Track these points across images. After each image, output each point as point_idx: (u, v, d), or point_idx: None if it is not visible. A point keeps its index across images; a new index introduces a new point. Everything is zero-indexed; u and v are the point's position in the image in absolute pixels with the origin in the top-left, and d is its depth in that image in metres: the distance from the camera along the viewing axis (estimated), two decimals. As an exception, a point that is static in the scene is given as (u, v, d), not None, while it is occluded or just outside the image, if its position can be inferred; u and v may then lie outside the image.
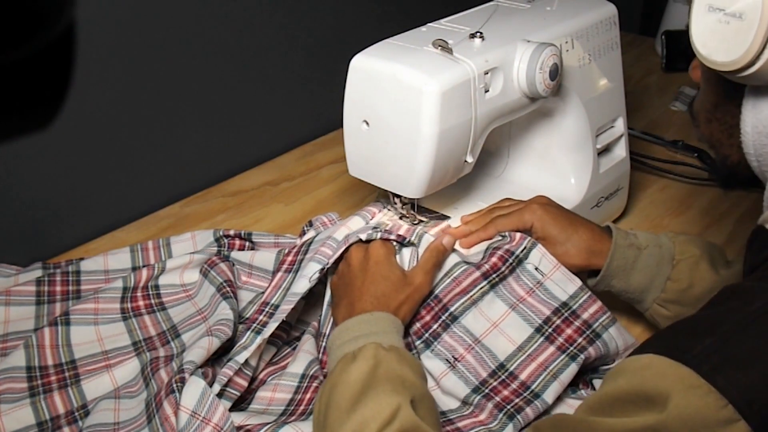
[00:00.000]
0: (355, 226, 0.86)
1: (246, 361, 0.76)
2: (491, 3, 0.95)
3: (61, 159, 1.00)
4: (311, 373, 0.79)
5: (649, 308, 0.82)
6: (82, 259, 0.95)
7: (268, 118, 1.25)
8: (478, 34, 0.81)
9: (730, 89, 0.61)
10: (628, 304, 0.85)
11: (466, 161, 0.83)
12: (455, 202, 0.94)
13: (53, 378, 0.79)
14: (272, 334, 0.84)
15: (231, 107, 1.19)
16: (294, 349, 0.86)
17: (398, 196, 0.85)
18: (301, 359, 0.81)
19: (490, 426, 0.74)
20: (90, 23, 0.95)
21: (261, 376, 0.82)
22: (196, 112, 1.14)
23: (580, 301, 0.78)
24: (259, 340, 0.77)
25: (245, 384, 0.77)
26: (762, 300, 0.51)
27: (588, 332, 0.77)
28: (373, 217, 0.88)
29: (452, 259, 0.81)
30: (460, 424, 0.75)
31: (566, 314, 0.77)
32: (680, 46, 1.57)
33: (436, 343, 0.77)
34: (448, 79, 0.76)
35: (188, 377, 0.72)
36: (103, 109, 1.02)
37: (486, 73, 0.79)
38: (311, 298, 0.85)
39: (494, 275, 0.78)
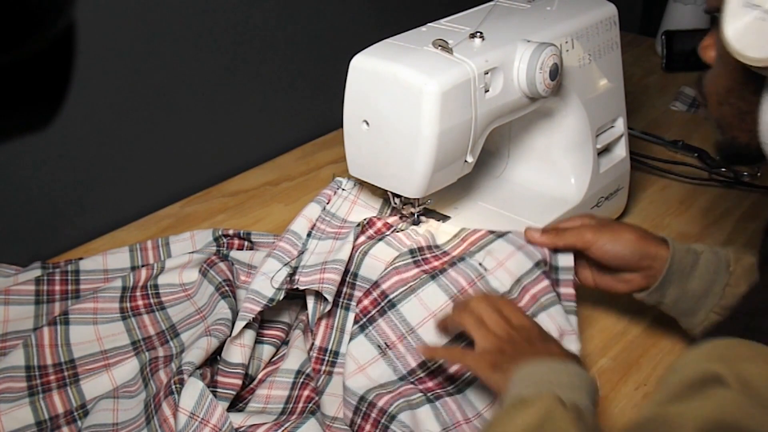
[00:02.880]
0: (311, 213, 0.87)
1: (238, 360, 0.77)
2: (491, 3, 0.95)
3: (61, 159, 1.00)
4: (306, 370, 0.79)
5: (704, 320, 0.77)
6: (81, 258, 0.95)
7: (268, 118, 1.25)
8: (478, 34, 0.81)
9: (748, 78, 0.62)
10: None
11: (466, 161, 0.83)
12: (455, 202, 0.94)
13: (52, 377, 0.79)
14: (270, 335, 0.84)
15: (231, 107, 1.19)
16: None
17: (398, 196, 0.85)
18: (293, 355, 0.81)
19: (410, 399, 0.73)
20: (90, 23, 0.95)
21: (260, 376, 0.82)
22: (195, 112, 1.14)
23: (515, 294, 0.78)
24: (215, 341, 0.77)
25: (238, 383, 0.77)
26: None
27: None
28: (329, 201, 0.89)
29: (395, 251, 0.82)
30: (380, 402, 0.73)
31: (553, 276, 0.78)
32: (680, 46, 1.57)
33: (371, 327, 0.77)
34: (448, 79, 0.75)
35: (187, 378, 0.72)
36: (103, 109, 1.02)
37: (486, 73, 0.79)
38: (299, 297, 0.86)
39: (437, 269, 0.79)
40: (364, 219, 0.86)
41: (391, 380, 0.75)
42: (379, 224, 0.86)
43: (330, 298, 0.79)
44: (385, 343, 0.76)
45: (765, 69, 0.58)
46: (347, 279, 0.83)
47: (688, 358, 0.51)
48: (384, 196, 0.89)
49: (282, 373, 0.79)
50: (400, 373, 0.76)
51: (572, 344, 0.75)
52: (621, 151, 1.03)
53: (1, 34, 0.81)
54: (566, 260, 0.80)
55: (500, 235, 0.82)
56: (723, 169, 1.18)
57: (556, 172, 0.97)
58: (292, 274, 0.82)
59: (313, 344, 0.82)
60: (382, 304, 0.78)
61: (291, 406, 0.76)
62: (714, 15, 0.67)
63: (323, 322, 0.82)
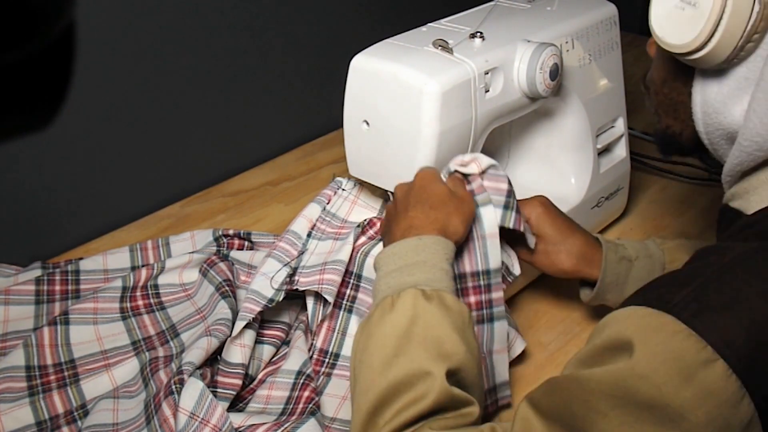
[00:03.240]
0: (311, 213, 0.87)
1: (238, 361, 0.77)
2: (491, 3, 0.95)
3: (61, 159, 1.00)
4: (307, 371, 0.79)
5: None
6: (81, 258, 0.95)
7: (268, 118, 1.25)
8: (478, 34, 0.81)
9: (678, 69, 0.66)
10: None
11: (466, 161, 0.83)
12: (455, 202, 0.94)
13: (52, 377, 0.79)
14: (271, 335, 0.84)
15: (231, 107, 1.19)
16: None
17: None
18: (294, 356, 0.81)
19: None
20: (90, 23, 0.95)
21: (260, 376, 0.82)
22: (196, 112, 1.14)
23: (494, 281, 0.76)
24: (215, 341, 0.77)
25: (238, 383, 0.77)
26: (733, 253, 0.55)
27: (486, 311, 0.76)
28: (329, 201, 0.89)
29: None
30: None
31: (482, 283, 0.75)
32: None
33: (356, 305, 0.79)
34: (448, 79, 0.75)
35: (187, 378, 0.72)
36: (103, 109, 1.02)
37: (486, 73, 0.79)
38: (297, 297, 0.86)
39: None
40: (365, 219, 0.86)
41: None
42: (379, 224, 0.86)
43: (330, 299, 0.79)
44: None
45: (683, 55, 0.61)
46: (351, 281, 0.83)
47: (610, 319, 0.55)
48: (384, 196, 0.89)
49: (282, 374, 0.79)
50: None
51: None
52: (621, 151, 1.03)
53: (1, 34, 0.81)
54: (495, 262, 0.76)
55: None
56: (723, 169, 1.18)
57: (556, 172, 0.97)
58: (291, 275, 0.82)
59: (313, 345, 0.82)
60: (351, 280, 0.80)
61: (291, 407, 0.76)
62: None
63: (324, 324, 0.82)
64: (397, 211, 0.73)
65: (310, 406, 0.74)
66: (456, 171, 0.77)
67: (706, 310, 0.51)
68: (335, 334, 0.83)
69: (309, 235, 0.87)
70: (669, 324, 0.51)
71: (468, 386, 0.62)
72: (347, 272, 0.82)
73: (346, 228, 0.87)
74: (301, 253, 0.85)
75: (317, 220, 0.88)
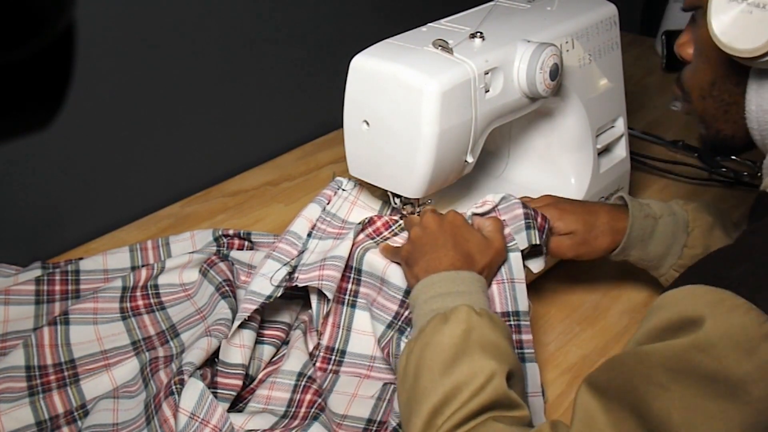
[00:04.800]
0: (311, 214, 0.87)
1: (238, 361, 0.77)
2: (491, 3, 0.95)
3: (61, 159, 1.00)
4: (308, 373, 0.79)
5: (665, 274, 0.85)
6: (81, 258, 0.95)
7: (268, 118, 1.25)
8: (478, 34, 0.81)
9: (731, 71, 0.65)
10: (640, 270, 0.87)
11: (466, 161, 0.83)
12: (455, 202, 0.94)
13: (52, 377, 0.79)
14: (271, 335, 0.84)
15: (231, 107, 1.19)
16: None
17: (398, 196, 0.85)
18: (294, 357, 0.81)
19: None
20: (90, 23, 0.95)
21: (260, 376, 0.82)
22: (196, 112, 1.14)
23: (527, 320, 0.79)
24: (215, 341, 0.77)
25: (238, 383, 0.77)
26: None
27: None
28: (329, 201, 0.89)
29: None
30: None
31: (512, 322, 0.78)
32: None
33: (359, 299, 0.81)
34: (448, 79, 0.75)
35: (187, 379, 0.72)
36: (102, 109, 1.02)
37: (486, 73, 0.79)
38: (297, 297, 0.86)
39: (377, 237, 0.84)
40: (365, 218, 0.86)
41: (381, 331, 0.79)
42: (378, 223, 0.86)
43: (330, 295, 0.79)
44: (370, 303, 0.81)
45: (752, 60, 0.60)
46: (351, 275, 0.83)
47: (666, 300, 0.55)
48: (384, 196, 0.89)
49: (283, 375, 0.79)
50: (385, 321, 0.79)
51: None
52: (621, 151, 1.03)
53: (1, 34, 0.81)
54: (523, 304, 0.78)
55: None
56: (723, 169, 1.18)
57: (556, 172, 0.97)
58: (291, 272, 0.82)
59: (319, 344, 0.82)
60: (352, 275, 0.83)
61: (293, 409, 0.76)
62: (692, 12, 0.70)
63: (329, 321, 0.83)
64: (428, 243, 0.75)
65: (313, 410, 0.75)
66: (474, 214, 0.82)
67: (764, 284, 0.51)
68: (340, 330, 0.83)
69: (309, 234, 0.87)
70: (728, 299, 0.51)
71: (519, 393, 0.63)
72: (347, 267, 0.82)
73: (347, 228, 0.87)
74: (302, 252, 0.85)
75: (317, 220, 0.88)
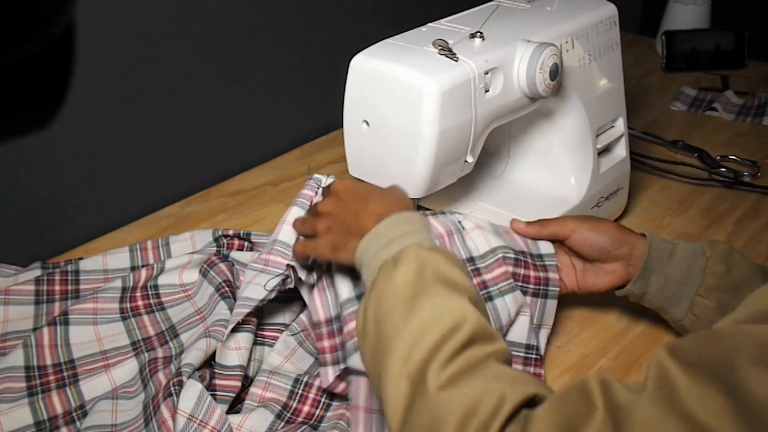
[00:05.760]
0: (293, 218, 0.86)
1: (235, 363, 0.77)
2: (491, 3, 0.95)
3: (61, 159, 1.00)
4: (305, 380, 0.78)
5: (689, 306, 0.79)
6: (81, 258, 0.95)
7: (268, 118, 1.25)
8: (478, 34, 0.81)
9: None
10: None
11: (466, 161, 0.83)
12: (455, 202, 0.94)
13: (51, 378, 0.79)
14: (271, 336, 0.84)
15: (231, 107, 1.19)
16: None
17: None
18: (293, 361, 0.80)
19: None
20: (90, 23, 0.95)
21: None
22: (196, 112, 1.14)
23: (488, 261, 0.79)
24: (214, 343, 0.77)
25: (237, 384, 0.76)
26: None
27: (482, 292, 0.76)
28: (311, 203, 0.88)
29: None
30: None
31: (469, 270, 0.77)
32: (680, 46, 1.57)
33: (333, 268, 0.78)
34: (448, 79, 0.75)
35: (186, 380, 0.71)
36: (103, 109, 1.02)
37: (486, 73, 0.79)
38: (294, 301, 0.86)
39: None
40: None
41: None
42: None
43: (310, 271, 0.78)
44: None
45: None
46: None
47: (764, 292, 0.51)
48: None
49: (279, 377, 0.79)
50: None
51: (542, 337, 0.78)
52: (621, 151, 1.03)
53: (1, 34, 0.81)
54: (547, 247, 0.82)
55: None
56: (723, 169, 1.18)
57: (556, 172, 0.97)
58: (284, 280, 0.82)
59: (319, 322, 0.79)
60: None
61: (289, 415, 0.76)
62: None
63: (317, 297, 0.80)
64: (352, 206, 0.71)
65: (311, 422, 0.75)
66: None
67: None
68: (328, 299, 0.80)
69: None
70: None
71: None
72: None
73: None
74: None
75: None
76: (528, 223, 0.83)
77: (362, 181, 0.78)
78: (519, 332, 0.77)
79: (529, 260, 0.81)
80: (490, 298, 0.76)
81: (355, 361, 0.72)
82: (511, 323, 0.76)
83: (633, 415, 0.48)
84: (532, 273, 0.80)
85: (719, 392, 0.46)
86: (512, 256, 0.79)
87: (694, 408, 0.46)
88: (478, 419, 0.50)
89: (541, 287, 0.79)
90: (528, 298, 0.78)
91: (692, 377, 0.47)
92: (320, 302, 0.79)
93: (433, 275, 0.60)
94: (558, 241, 0.83)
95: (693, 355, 0.49)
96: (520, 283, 0.79)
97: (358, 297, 0.75)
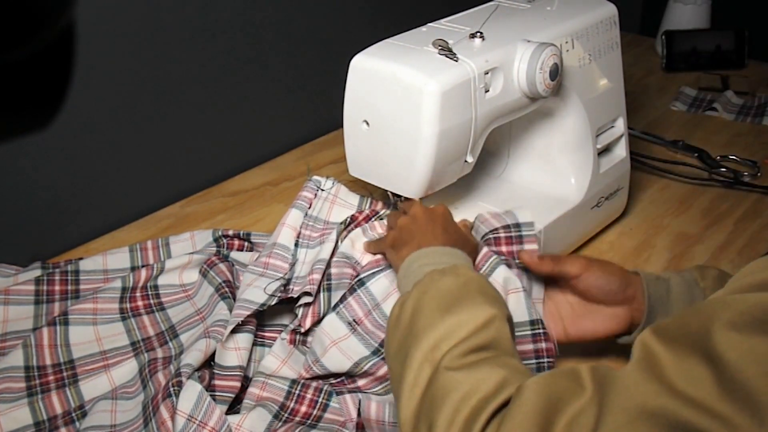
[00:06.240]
0: (294, 221, 0.87)
1: (234, 364, 0.77)
2: (491, 3, 0.94)
3: (61, 159, 1.00)
4: (302, 381, 0.78)
5: None
6: (81, 258, 0.95)
7: (268, 118, 1.25)
8: (478, 34, 0.81)
9: None
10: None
11: (466, 161, 0.83)
12: (455, 202, 0.94)
13: (51, 378, 0.79)
14: (270, 337, 0.84)
15: (231, 107, 1.19)
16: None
17: (398, 196, 0.85)
18: (290, 362, 0.81)
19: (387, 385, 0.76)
20: (90, 23, 0.95)
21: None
22: (196, 113, 1.14)
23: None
24: (213, 343, 0.77)
25: (236, 385, 0.76)
26: None
27: None
28: (310, 206, 0.89)
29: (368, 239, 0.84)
30: (360, 382, 0.78)
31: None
32: (680, 46, 1.57)
33: (341, 305, 0.78)
34: (448, 79, 0.75)
35: (185, 381, 0.71)
36: (102, 109, 1.02)
37: (486, 73, 0.79)
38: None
39: None
40: (347, 218, 0.86)
41: (364, 355, 0.77)
42: (360, 218, 0.87)
43: (313, 293, 0.80)
44: (354, 320, 0.77)
45: None
46: (330, 260, 0.84)
47: (754, 266, 0.52)
48: (361, 192, 0.90)
49: (276, 378, 0.79)
50: (372, 347, 0.77)
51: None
52: (621, 151, 1.03)
53: (1, 34, 0.81)
54: (524, 216, 0.81)
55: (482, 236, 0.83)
56: (723, 169, 1.18)
57: (556, 172, 0.97)
58: (285, 284, 0.82)
59: (299, 329, 0.82)
60: (352, 283, 0.79)
61: (286, 415, 0.76)
62: None
63: (309, 312, 0.81)
64: (418, 229, 0.76)
65: (309, 421, 0.75)
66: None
67: None
68: (320, 316, 0.81)
69: (296, 244, 0.87)
70: None
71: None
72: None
73: (329, 230, 0.88)
74: (293, 264, 0.85)
75: (301, 226, 0.88)
76: (540, 257, 0.80)
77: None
78: (519, 311, 0.75)
79: (502, 234, 0.81)
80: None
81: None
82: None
83: (617, 379, 0.49)
84: (514, 248, 0.80)
85: (700, 362, 0.46)
86: (490, 236, 0.80)
87: (677, 379, 0.47)
88: (477, 397, 0.53)
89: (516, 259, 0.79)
90: (514, 270, 0.78)
91: (674, 351, 0.48)
92: (311, 320, 0.81)
93: (477, 288, 0.64)
94: (558, 279, 0.80)
95: (675, 330, 0.50)
96: (503, 258, 0.78)
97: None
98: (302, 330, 0.81)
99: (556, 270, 0.79)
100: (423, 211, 0.78)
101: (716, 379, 0.45)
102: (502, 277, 0.76)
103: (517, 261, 0.79)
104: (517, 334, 0.74)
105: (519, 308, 0.75)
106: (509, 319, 0.63)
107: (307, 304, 0.81)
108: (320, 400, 0.78)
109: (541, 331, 0.75)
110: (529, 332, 0.75)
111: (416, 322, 0.61)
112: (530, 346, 0.75)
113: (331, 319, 0.78)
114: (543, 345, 0.75)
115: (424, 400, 0.56)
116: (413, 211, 0.78)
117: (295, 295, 0.81)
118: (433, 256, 0.71)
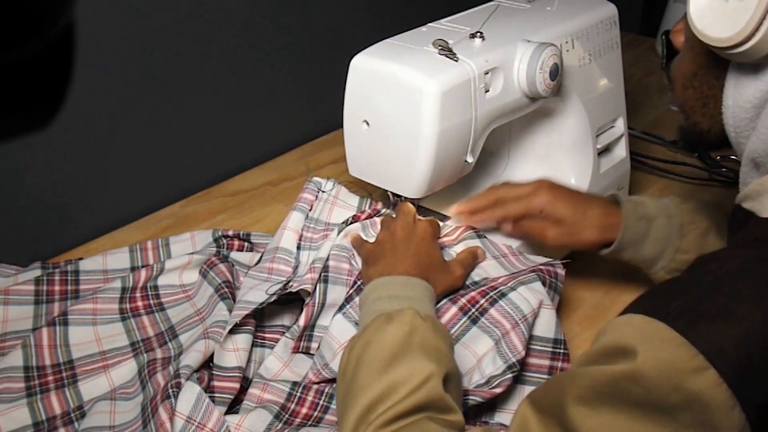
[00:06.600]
0: (296, 224, 0.87)
1: (233, 365, 0.77)
2: (491, 3, 0.94)
3: (61, 159, 1.00)
4: (304, 383, 0.78)
5: (656, 274, 0.84)
6: (81, 258, 0.95)
7: (268, 118, 1.25)
8: (478, 34, 0.81)
9: (712, 62, 0.64)
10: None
11: (466, 161, 0.83)
12: (455, 202, 0.94)
13: (50, 378, 0.79)
14: (271, 338, 0.84)
15: (231, 107, 1.19)
16: None
17: (398, 196, 0.85)
18: (291, 365, 0.80)
19: None
20: (90, 23, 0.95)
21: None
22: (196, 112, 1.14)
23: (488, 281, 0.80)
24: (212, 344, 0.77)
25: (236, 386, 0.76)
26: (734, 262, 0.54)
27: (492, 293, 0.76)
28: (311, 208, 0.89)
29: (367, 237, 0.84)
30: None
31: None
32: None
33: (348, 306, 0.79)
34: (448, 79, 0.75)
35: (184, 382, 0.71)
36: (103, 109, 1.02)
37: (486, 73, 0.79)
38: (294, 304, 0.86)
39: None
40: (347, 218, 0.86)
41: None
42: (362, 218, 0.88)
43: (310, 290, 0.80)
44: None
45: (725, 50, 0.59)
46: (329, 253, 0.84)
47: (609, 326, 0.56)
48: (360, 193, 0.90)
49: (277, 380, 0.79)
50: None
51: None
52: (621, 151, 1.03)
53: (1, 34, 0.81)
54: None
55: (480, 235, 0.84)
56: (723, 169, 1.18)
57: (556, 172, 0.97)
58: (286, 284, 0.82)
59: (296, 324, 0.82)
60: (359, 282, 0.80)
61: (287, 416, 0.76)
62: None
63: (305, 307, 0.82)
64: (392, 249, 0.77)
65: (309, 422, 0.75)
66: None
67: (699, 319, 0.51)
68: (314, 308, 0.82)
69: (298, 247, 0.87)
70: (663, 331, 0.51)
71: (455, 398, 0.63)
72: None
73: (329, 230, 0.88)
74: (296, 267, 0.86)
75: (302, 229, 0.88)
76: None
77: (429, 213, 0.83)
78: (546, 326, 0.76)
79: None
80: (503, 295, 0.76)
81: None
82: (536, 315, 0.76)
83: None
84: (542, 267, 0.80)
85: (561, 430, 0.51)
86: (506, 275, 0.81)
87: None
88: None
89: (552, 279, 0.79)
90: (545, 289, 0.78)
91: (543, 421, 0.53)
92: (306, 312, 0.81)
93: (420, 342, 0.64)
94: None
95: (542, 400, 0.55)
96: (540, 273, 0.78)
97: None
98: (300, 325, 0.81)
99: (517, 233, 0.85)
100: (402, 227, 0.79)
101: None
102: (533, 293, 0.76)
103: (549, 278, 0.79)
104: (538, 348, 0.76)
105: (548, 325, 0.76)
106: (450, 373, 0.63)
107: (307, 304, 0.81)
108: (321, 402, 0.78)
109: (561, 351, 0.76)
110: (550, 349, 0.76)
111: (356, 378, 0.63)
112: (547, 362, 0.76)
113: (338, 320, 0.78)
114: (560, 364, 0.76)
115: None
116: (393, 226, 0.80)
117: (294, 290, 0.80)
118: (389, 288, 0.72)
